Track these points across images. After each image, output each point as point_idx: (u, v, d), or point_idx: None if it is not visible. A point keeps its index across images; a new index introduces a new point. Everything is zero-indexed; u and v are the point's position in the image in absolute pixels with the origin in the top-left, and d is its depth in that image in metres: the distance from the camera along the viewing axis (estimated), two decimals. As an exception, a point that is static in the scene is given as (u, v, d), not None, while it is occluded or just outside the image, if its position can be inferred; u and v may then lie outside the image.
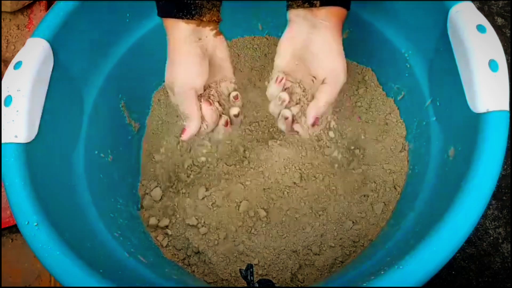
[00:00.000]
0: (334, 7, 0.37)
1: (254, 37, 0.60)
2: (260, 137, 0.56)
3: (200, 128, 0.40)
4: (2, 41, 0.66)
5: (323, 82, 0.38)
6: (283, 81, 0.39)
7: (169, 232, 0.51)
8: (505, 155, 0.32)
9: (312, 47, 0.38)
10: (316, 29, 0.37)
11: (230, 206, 0.52)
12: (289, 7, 0.39)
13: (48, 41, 0.40)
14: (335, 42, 0.38)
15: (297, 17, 0.38)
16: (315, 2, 0.37)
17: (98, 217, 0.44)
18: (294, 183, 0.52)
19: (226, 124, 0.41)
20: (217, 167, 0.54)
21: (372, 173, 0.52)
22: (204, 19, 0.37)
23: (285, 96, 0.40)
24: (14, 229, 0.58)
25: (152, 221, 0.51)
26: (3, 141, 0.36)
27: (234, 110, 0.41)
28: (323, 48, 0.38)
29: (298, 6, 0.37)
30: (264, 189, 0.52)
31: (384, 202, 0.50)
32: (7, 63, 0.65)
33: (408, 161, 0.51)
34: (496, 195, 0.62)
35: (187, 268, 0.49)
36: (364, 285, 0.30)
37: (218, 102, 0.41)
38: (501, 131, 0.32)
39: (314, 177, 0.52)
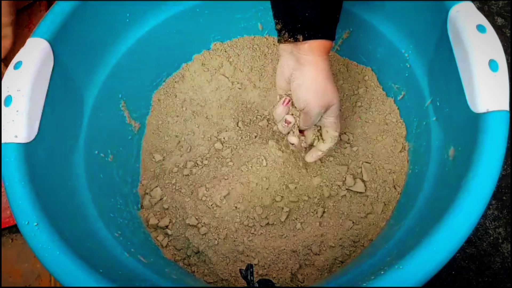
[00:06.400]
0: (316, 40, 0.39)
1: (254, 37, 0.60)
2: (260, 137, 0.56)
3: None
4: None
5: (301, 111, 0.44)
6: (290, 102, 0.44)
7: (169, 232, 0.51)
8: (505, 155, 0.32)
9: (294, 83, 0.42)
10: (300, 65, 0.41)
11: (230, 206, 0.52)
12: (278, 41, 0.42)
13: (48, 41, 0.40)
14: (313, 80, 0.41)
15: (285, 52, 0.42)
16: (298, 37, 0.39)
17: (98, 217, 0.44)
18: (294, 182, 0.52)
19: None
20: (217, 167, 0.54)
21: (372, 173, 0.52)
22: None
23: (291, 118, 0.45)
24: (14, 229, 0.58)
25: (152, 221, 0.51)
26: (3, 141, 0.36)
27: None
28: (301, 85, 0.41)
29: (285, 41, 0.40)
30: (264, 188, 0.52)
31: (384, 202, 0.50)
32: (7, 63, 0.65)
33: (408, 161, 0.51)
34: (496, 195, 0.62)
35: (187, 268, 0.49)
36: (364, 285, 0.30)
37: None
38: (501, 131, 0.32)
39: (314, 177, 0.52)
